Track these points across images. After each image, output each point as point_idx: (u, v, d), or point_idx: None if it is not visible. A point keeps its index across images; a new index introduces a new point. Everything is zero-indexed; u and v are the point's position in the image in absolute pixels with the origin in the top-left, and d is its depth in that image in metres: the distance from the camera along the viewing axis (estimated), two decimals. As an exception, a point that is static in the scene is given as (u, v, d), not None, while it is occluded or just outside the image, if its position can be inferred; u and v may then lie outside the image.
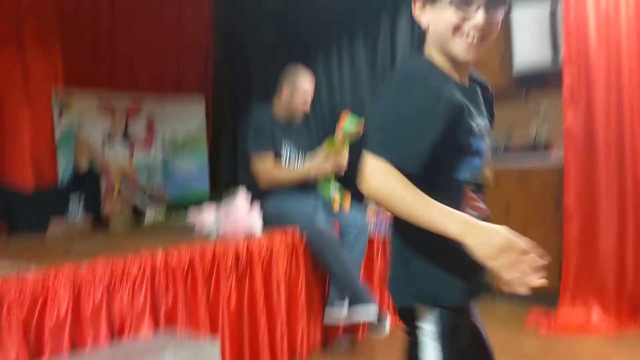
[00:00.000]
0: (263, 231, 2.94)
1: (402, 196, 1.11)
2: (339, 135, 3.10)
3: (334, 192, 3.19)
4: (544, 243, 3.63)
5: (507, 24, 3.97)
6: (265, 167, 3.11)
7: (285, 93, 3.23)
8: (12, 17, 3.82)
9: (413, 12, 1.28)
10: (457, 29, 1.18)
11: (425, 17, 1.24)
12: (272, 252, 2.74)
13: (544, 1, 3.83)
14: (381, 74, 3.97)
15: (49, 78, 4.04)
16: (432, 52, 1.25)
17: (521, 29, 3.92)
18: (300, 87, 3.21)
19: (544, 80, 4.15)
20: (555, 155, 3.83)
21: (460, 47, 1.20)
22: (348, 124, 3.09)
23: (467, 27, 1.18)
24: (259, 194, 3.10)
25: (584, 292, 3.29)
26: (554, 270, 3.50)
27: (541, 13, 3.83)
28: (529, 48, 3.90)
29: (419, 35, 3.78)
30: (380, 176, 1.12)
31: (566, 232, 3.37)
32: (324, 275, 2.99)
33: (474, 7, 1.17)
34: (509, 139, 4.34)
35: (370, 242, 3.21)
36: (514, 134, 4.37)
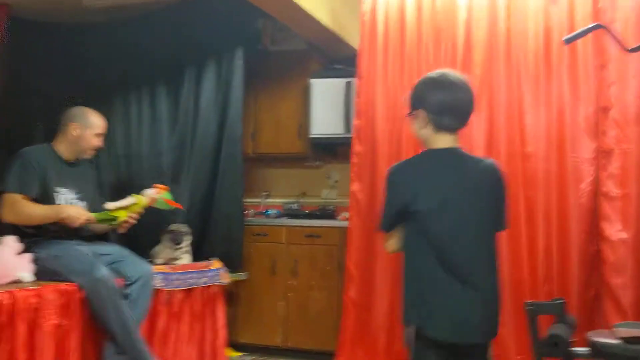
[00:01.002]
0: (33, 280, 2.65)
1: None
2: (150, 199, 3.05)
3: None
4: (327, 302, 3.80)
5: (306, 91, 4.24)
6: (13, 203, 2.84)
7: (74, 130, 3.07)
8: None
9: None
10: None
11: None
12: (41, 304, 2.46)
13: (341, 75, 4.17)
14: (181, 131, 3.94)
15: None
16: None
17: (319, 98, 4.20)
18: (94, 125, 3.12)
19: (336, 149, 4.47)
20: (341, 220, 4.10)
21: None
22: (164, 197, 3.09)
23: None
24: (31, 239, 2.81)
25: (357, 352, 3.47)
26: (334, 331, 3.68)
27: (337, 86, 4.16)
28: (325, 117, 4.18)
29: (223, 97, 3.85)
30: None
31: (345, 293, 3.56)
32: (101, 332, 2.76)
33: None
34: (302, 202, 4.57)
35: (156, 295, 3.07)
36: (306, 197, 4.62)
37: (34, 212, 2.85)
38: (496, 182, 1.85)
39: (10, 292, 2.37)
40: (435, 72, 1.88)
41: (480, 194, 1.79)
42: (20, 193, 2.86)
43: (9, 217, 2.85)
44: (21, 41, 4.43)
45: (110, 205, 2.98)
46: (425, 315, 1.73)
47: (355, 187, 3.61)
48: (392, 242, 1.86)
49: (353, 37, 4.00)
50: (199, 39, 3.93)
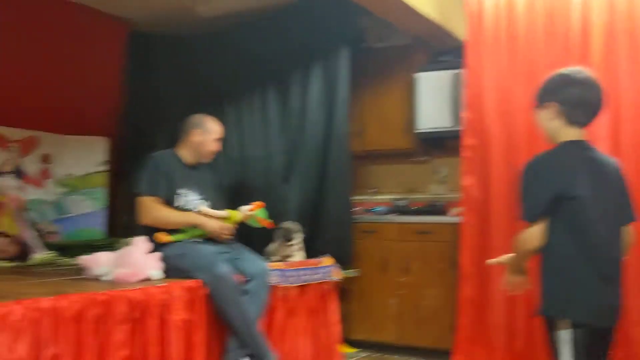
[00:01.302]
0: (162, 277, 2.83)
1: None
2: (244, 213, 3.14)
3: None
4: (441, 300, 3.74)
5: (412, 86, 4.19)
6: (150, 207, 3.05)
7: (195, 136, 3.23)
8: None
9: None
10: None
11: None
12: (169, 300, 2.61)
13: (447, 67, 4.09)
14: (290, 132, 4.04)
15: None
16: None
17: (425, 92, 4.14)
18: (213, 131, 3.26)
19: (444, 143, 4.39)
20: (452, 215, 4.01)
21: None
22: (257, 216, 3.16)
23: None
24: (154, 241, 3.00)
25: (475, 351, 3.39)
26: (449, 329, 3.61)
27: (444, 78, 4.08)
28: (432, 111, 4.12)
29: (329, 96, 3.90)
30: None
31: (461, 291, 3.49)
32: (224, 326, 2.89)
33: None
34: (410, 198, 4.52)
35: (273, 291, 3.17)
36: (414, 192, 4.57)
37: (170, 218, 3.04)
38: (622, 175, 1.97)
39: (142, 290, 2.54)
40: (568, 69, 1.97)
41: (613, 185, 1.92)
42: (151, 195, 3.06)
43: (146, 221, 3.05)
44: (142, 54, 4.76)
45: (203, 209, 3.10)
46: (580, 304, 1.81)
47: (467, 181, 3.52)
48: (536, 234, 1.84)
49: (459, 28, 3.91)
50: (305, 41, 4.01)
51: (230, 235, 3.15)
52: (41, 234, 4.07)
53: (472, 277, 3.44)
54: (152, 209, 3.05)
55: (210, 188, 3.33)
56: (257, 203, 3.18)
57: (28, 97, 4.24)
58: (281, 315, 3.26)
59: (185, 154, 3.26)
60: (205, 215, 3.08)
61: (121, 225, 4.74)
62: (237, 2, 4.14)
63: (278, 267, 3.31)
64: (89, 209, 4.55)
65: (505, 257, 2.08)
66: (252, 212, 3.15)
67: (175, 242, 2.99)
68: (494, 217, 3.41)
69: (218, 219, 3.09)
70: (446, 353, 3.56)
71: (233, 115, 4.31)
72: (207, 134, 3.25)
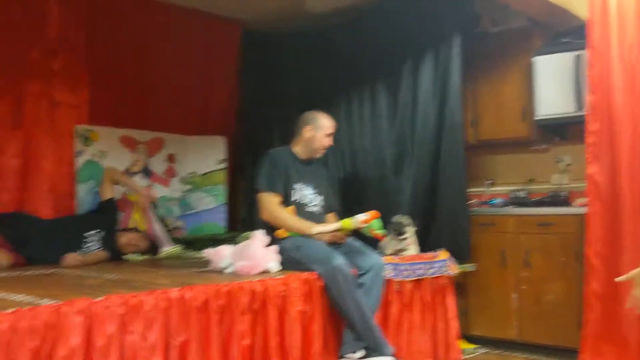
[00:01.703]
0: (280, 270, 2.91)
1: None
2: (357, 224, 3.11)
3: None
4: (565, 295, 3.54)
5: (530, 71, 3.99)
6: (270, 204, 3.15)
7: (308, 132, 3.29)
8: (42, 45, 3.93)
9: None
10: None
11: None
12: (287, 292, 2.69)
13: (568, 49, 3.85)
14: (400, 124, 4.00)
15: (73, 111, 4.13)
16: None
17: (544, 76, 3.93)
18: (324, 126, 3.32)
19: (566, 129, 4.14)
20: (577, 206, 3.78)
21: None
22: (370, 227, 3.12)
23: None
24: (272, 234, 3.10)
25: (604, 349, 3.19)
26: (573, 325, 3.42)
27: (565, 61, 3.85)
28: (552, 96, 3.90)
29: (441, 86, 3.81)
30: None
31: (587, 285, 3.29)
32: (340, 318, 2.93)
33: None
34: (529, 189, 4.32)
35: (387, 285, 3.16)
36: (534, 183, 4.35)
37: (287, 222, 3.12)
38: None
39: (262, 281, 2.63)
40: None
41: None
42: (270, 191, 3.16)
43: (265, 217, 3.17)
44: (256, 53, 4.92)
45: (317, 228, 3.11)
46: None
47: (592, 169, 3.30)
48: None
49: (580, 7, 3.66)
50: (416, 30, 3.94)
51: (343, 241, 3.18)
52: (168, 229, 4.34)
53: (599, 270, 3.23)
54: (272, 208, 3.14)
55: (323, 182, 3.40)
56: (373, 213, 3.13)
57: (154, 101, 4.54)
58: (396, 309, 3.25)
59: (299, 150, 3.34)
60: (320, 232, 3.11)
61: (240, 220, 4.96)
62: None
63: (392, 261, 3.29)
64: (211, 205, 4.78)
65: (635, 272, 1.89)
66: (366, 223, 3.11)
67: (293, 235, 3.08)
68: (623, 207, 3.17)
69: (331, 232, 3.11)
70: (570, 351, 3.37)
71: (343, 109, 4.34)
72: (318, 130, 3.31)
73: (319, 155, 3.39)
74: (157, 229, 4.15)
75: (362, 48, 4.27)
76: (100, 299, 2.14)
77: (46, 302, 2.10)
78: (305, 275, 2.82)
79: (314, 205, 3.29)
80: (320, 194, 3.33)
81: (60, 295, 2.24)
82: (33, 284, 2.72)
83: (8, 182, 3.80)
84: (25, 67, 3.88)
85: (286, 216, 3.14)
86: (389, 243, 3.57)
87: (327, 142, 3.35)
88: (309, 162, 3.36)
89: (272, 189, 3.17)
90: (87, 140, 4.19)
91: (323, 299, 2.86)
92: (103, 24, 4.22)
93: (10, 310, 1.94)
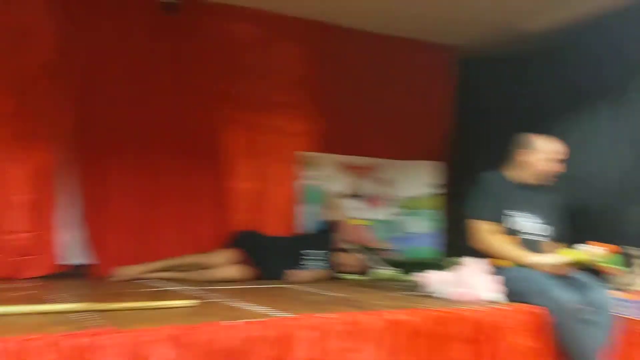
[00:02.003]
0: (500, 299, 2.80)
1: None
2: (588, 256, 2.84)
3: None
4: None
5: None
6: (481, 232, 3.03)
7: (522, 156, 3.15)
8: (285, 87, 4.40)
9: None
10: None
11: None
12: (509, 323, 2.57)
13: None
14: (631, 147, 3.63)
15: (298, 140, 4.50)
16: None
17: None
18: (542, 150, 3.13)
19: None
20: None
21: None
22: (608, 261, 2.83)
23: None
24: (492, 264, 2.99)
25: None
26: None
27: None
28: None
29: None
30: None
31: None
32: (564, 355, 2.71)
33: None
34: None
35: (617, 322, 2.85)
36: None
37: (501, 250, 2.98)
38: None
39: (484, 311, 2.54)
40: None
41: None
42: (482, 219, 3.07)
43: (478, 245, 3.07)
44: (469, 77, 4.87)
45: (534, 258, 2.90)
46: None
47: None
48: None
49: None
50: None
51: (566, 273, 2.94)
52: (382, 252, 4.44)
53: None
54: (482, 235, 3.04)
55: (545, 209, 3.19)
56: (612, 247, 2.82)
57: (371, 127, 4.74)
58: (625, 349, 2.90)
59: (514, 174, 3.18)
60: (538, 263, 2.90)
61: (455, 246, 4.88)
62: (565, 13, 3.93)
63: (620, 297, 2.97)
64: (425, 229, 4.81)
65: None
66: (603, 258, 2.81)
67: (517, 266, 2.94)
68: None
69: (552, 265, 2.89)
70: None
71: (563, 132, 4.06)
72: (534, 154, 3.12)
73: (539, 180, 3.18)
74: (373, 253, 4.27)
75: (582, 67, 3.99)
76: (327, 315, 2.26)
77: (277, 314, 2.27)
78: (529, 307, 2.67)
79: (532, 234, 3.11)
80: (540, 221, 3.13)
81: (290, 309, 2.41)
82: (265, 297, 2.97)
83: (244, 203, 4.26)
84: (258, 102, 4.33)
85: (499, 244, 3.01)
86: (616, 277, 3.22)
87: (546, 166, 3.13)
88: (527, 187, 3.17)
89: (483, 215, 3.06)
90: (310, 166, 4.51)
91: (549, 335, 2.68)
92: (324, 58, 4.55)
93: (247, 321, 2.13)
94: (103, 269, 3.78)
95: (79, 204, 3.85)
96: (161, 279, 3.65)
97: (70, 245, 3.84)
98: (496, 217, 3.06)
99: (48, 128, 3.73)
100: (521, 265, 2.93)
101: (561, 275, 2.90)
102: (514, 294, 2.79)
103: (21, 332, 1.77)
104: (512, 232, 3.08)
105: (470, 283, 2.83)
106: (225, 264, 3.75)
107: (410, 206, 4.86)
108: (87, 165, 3.85)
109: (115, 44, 3.93)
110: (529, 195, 3.16)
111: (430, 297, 2.96)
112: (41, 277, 3.62)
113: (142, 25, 4.00)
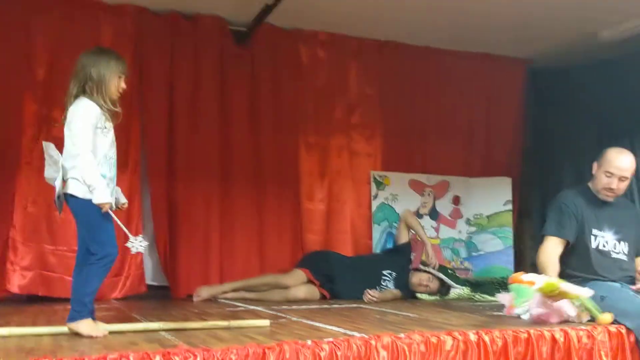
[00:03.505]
0: (584, 321, 2.72)
1: None
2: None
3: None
4: None
5: None
6: (546, 248, 2.95)
7: (594, 170, 3.04)
8: (344, 103, 4.46)
9: None
10: None
11: None
12: (593, 345, 2.49)
13: None
14: None
15: (369, 159, 4.54)
16: None
17: None
18: (608, 164, 2.97)
19: None
20: None
21: None
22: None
23: None
24: (572, 282, 2.91)
25: None
26: None
27: None
28: None
29: None
30: None
31: None
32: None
33: None
34: None
35: None
36: None
37: (545, 269, 2.86)
38: None
39: (564, 331, 2.48)
40: None
41: None
42: (557, 236, 2.99)
43: (536, 261, 2.99)
44: (542, 90, 4.79)
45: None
46: None
47: None
48: None
49: None
50: None
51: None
52: (451, 272, 4.39)
53: None
54: (543, 252, 2.96)
55: (626, 224, 3.07)
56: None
57: (440, 144, 4.73)
58: None
59: (594, 189, 3.08)
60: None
61: (529, 264, 4.77)
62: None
63: None
64: (497, 247, 4.72)
65: None
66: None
67: (595, 282, 2.85)
68: None
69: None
70: None
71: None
72: (600, 168, 3.00)
73: (605, 197, 3.03)
74: (446, 271, 4.23)
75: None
76: (403, 335, 2.27)
77: (355, 334, 2.31)
78: (614, 327, 2.58)
79: (617, 252, 3.01)
80: (623, 238, 3.02)
81: (366, 329, 2.44)
82: (341, 316, 3.01)
83: (316, 224, 4.33)
84: (330, 123, 4.42)
85: (546, 262, 2.89)
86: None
87: (606, 182, 2.97)
88: (611, 203, 3.06)
89: (558, 234, 2.97)
90: (380, 185, 4.54)
91: (635, 357, 2.58)
92: (393, 77, 4.59)
93: (327, 340, 2.18)
94: (181, 289, 3.92)
95: (158, 227, 3.99)
96: (239, 298, 3.76)
97: (153, 267, 4.03)
98: (573, 236, 2.97)
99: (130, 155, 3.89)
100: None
101: None
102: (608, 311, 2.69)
103: (116, 348, 1.90)
104: (599, 252, 2.98)
105: (552, 302, 2.76)
106: (300, 284, 3.82)
107: (482, 224, 4.79)
108: (164, 189, 3.99)
109: (190, 75, 4.10)
110: (613, 211, 3.04)
111: (511, 317, 2.91)
112: (126, 298, 3.80)
113: (215, 54, 4.16)
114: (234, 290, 3.82)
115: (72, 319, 2.23)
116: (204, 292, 3.76)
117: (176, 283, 3.96)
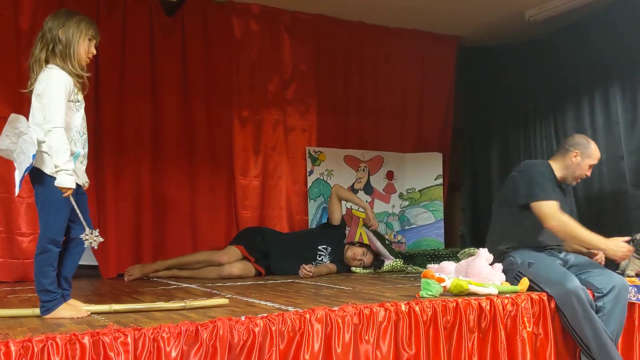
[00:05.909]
0: (507, 289, 2.83)
1: None
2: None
3: None
4: None
5: None
6: (555, 212, 2.90)
7: (574, 158, 3.07)
8: (278, 79, 4.42)
9: None
10: None
11: None
12: (517, 312, 2.61)
13: None
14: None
15: (304, 135, 4.53)
16: None
17: None
18: (592, 156, 3.08)
19: None
20: None
21: None
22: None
23: None
24: (501, 249, 3.01)
25: None
26: None
27: None
28: None
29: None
30: None
31: None
32: (574, 344, 2.75)
33: None
34: None
35: (631, 308, 2.88)
36: None
37: (580, 232, 2.87)
38: None
39: (490, 299, 2.58)
40: None
41: None
42: (549, 199, 2.93)
43: (553, 225, 2.90)
44: (470, 68, 4.90)
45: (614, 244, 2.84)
46: None
47: None
48: None
49: None
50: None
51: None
52: (389, 244, 4.48)
53: None
54: (557, 215, 2.89)
55: (566, 208, 3.16)
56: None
57: (373, 121, 4.78)
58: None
59: (557, 169, 3.11)
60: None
61: (457, 236, 4.93)
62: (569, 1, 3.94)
63: (635, 283, 3.00)
64: (429, 220, 4.85)
65: None
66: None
67: (525, 250, 2.95)
68: None
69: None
70: None
71: (571, 118, 4.10)
72: (585, 158, 3.07)
73: (573, 182, 3.15)
74: (379, 244, 4.31)
75: (590, 53, 4.00)
76: (336, 308, 2.30)
77: (290, 309, 2.32)
78: (536, 295, 2.71)
79: None
80: None
81: (302, 304, 2.46)
82: (276, 292, 3.02)
83: (251, 200, 4.30)
84: (265, 98, 4.37)
85: (577, 225, 2.89)
86: (630, 263, 3.25)
87: (587, 173, 3.10)
88: (560, 185, 3.12)
89: (549, 196, 2.94)
90: (316, 160, 4.55)
91: (556, 322, 2.72)
92: (328, 52, 4.58)
93: (261, 315, 2.18)
94: (111, 269, 3.82)
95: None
96: (172, 277, 3.70)
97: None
98: (554, 197, 2.95)
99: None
100: (594, 249, 2.94)
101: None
102: (520, 279, 2.81)
103: (46, 331, 1.82)
104: None
105: (479, 272, 2.86)
106: (234, 261, 3.79)
107: (415, 198, 4.90)
108: (92, 163, 3.83)
109: (120, 46, 3.95)
110: (560, 194, 3.12)
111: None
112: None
113: (144, 26, 4.03)
114: (167, 268, 3.75)
115: (47, 310, 2.12)
116: (135, 271, 3.67)
117: (106, 262, 3.84)
